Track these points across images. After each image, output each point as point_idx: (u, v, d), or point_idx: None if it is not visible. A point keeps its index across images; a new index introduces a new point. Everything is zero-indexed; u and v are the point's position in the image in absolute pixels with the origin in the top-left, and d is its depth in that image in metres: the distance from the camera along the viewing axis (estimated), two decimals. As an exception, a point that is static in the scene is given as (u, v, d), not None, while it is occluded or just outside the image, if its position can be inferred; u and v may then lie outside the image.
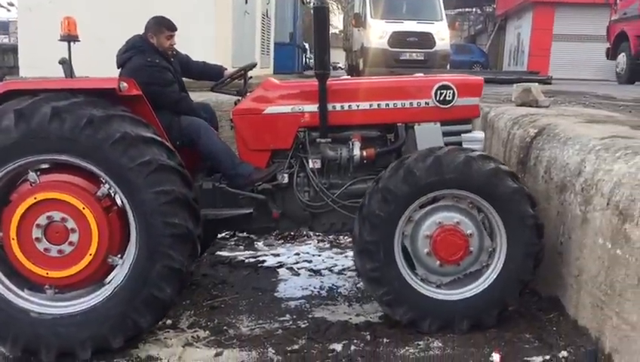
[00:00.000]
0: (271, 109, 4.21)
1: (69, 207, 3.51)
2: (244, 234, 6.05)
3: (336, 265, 5.42)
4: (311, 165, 4.21)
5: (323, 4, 3.94)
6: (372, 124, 4.25)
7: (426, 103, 4.18)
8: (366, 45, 14.84)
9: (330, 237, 6.25)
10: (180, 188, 3.53)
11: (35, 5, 8.26)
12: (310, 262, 5.54)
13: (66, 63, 4.15)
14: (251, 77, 4.77)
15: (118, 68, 4.36)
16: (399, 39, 14.73)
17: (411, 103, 4.19)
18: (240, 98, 4.55)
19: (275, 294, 4.75)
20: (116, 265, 3.65)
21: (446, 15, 16.45)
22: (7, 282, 3.64)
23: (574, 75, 20.88)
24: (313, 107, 4.14)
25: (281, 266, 5.41)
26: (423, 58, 14.72)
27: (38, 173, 3.57)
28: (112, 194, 3.64)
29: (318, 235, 6.35)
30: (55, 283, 3.63)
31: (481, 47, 32.92)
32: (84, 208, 3.51)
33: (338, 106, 4.16)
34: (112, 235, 3.58)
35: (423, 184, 3.66)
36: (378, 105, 4.19)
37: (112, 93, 3.57)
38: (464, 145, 4.06)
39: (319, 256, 5.75)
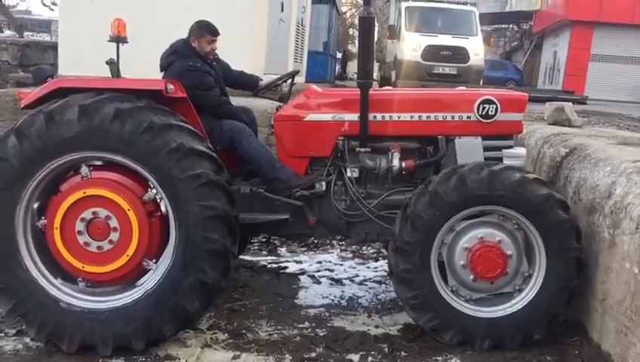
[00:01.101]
0: (312, 117, 4.24)
1: (114, 205, 3.61)
2: (269, 238, 6.08)
3: (357, 276, 5.41)
4: (349, 174, 4.21)
5: (369, 15, 3.99)
6: (412, 136, 4.25)
7: (468, 117, 4.16)
8: (399, 57, 14.85)
9: (353, 247, 6.24)
10: (224, 206, 3.62)
11: (77, 5, 8.42)
12: (332, 271, 5.54)
13: (114, 64, 4.24)
14: (295, 83, 4.78)
15: (161, 71, 4.44)
16: (433, 52, 14.69)
17: (453, 116, 4.18)
18: (281, 104, 4.58)
19: (295, 301, 4.75)
20: (149, 269, 3.72)
21: (482, 31, 16.37)
22: (42, 268, 3.71)
23: (610, 97, 20.54)
24: (354, 116, 4.16)
25: (302, 273, 5.41)
26: (456, 72, 14.65)
27: (91, 168, 3.67)
28: (158, 200, 3.71)
29: (341, 244, 6.36)
30: (88, 277, 3.71)
31: (516, 65, 32.60)
32: (129, 209, 3.60)
33: (379, 116, 4.17)
34: (151, 240, 3.66)
35: (473, 196, 3.66)
36: (419, 116, 4.19)
37: (159, 94, 3.67)
38: (505, 161, 4.01)
39: (341, 265, 5.74)
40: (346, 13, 35.14)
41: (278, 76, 4.80)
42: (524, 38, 35.56)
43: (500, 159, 4.09)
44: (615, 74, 24.76)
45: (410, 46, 14.87)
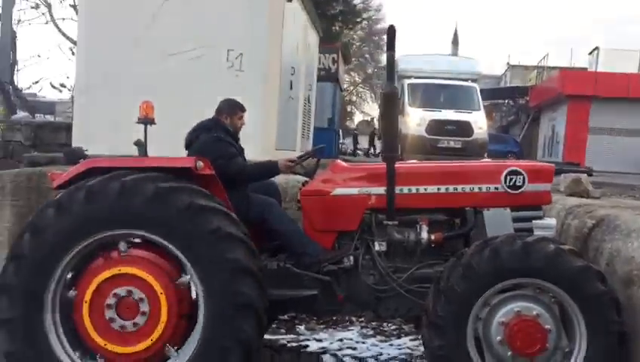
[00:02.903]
0: (338, 191, 4.23)
1: (147, 286, 3.55)
2: (286, 316, 5.94)
3: (381, 354, 5.24)
4: (377, 248, 4.16)
5: (392, 90, 4.04)
6: (439, 208, 4.23)
7: (496, 188, 4.15)
8: (404, 132, 15.04)
9: (374, 323, 6.10)
10: (254, 294, 3.58)
11: (91, 86, 8.60)
12: (354, 349, 5.37)
13: (142, 145, 4.28)
14: (325, 156, 4.80)
15: (186, 148, 4.50)
16: (437, 127, 14.87)
17: (480, 188, 4.17)
18: (308, 179, 4.58)
19: (320, 382, 4.59)
20: (169, 357, 3.61)
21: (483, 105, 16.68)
22: (63, 339, 3.61)
23: (610, 168, 20.69)
24: (380, 190, 4.15)
25: (324, 352, 5.25)
26: (460, 146, 14.79)
27: (129, 245, 3.65)
28: (190, 286, 3.66)
29: (361, 321, 6.21)
30: (109, 356, 3.60)
31: (514, 138, 33.08)
32: (161, 293, 3.55)
33: (405, 189, 4.16)
34: (177, 327, 3.58)
35: (508, 268, 3.58)
36: (446, 189, 4.18)
37: (188, 172, 3.69)
38: (536, 232, 3.95)
39: (363, 343, 5.57)
40: (345, 90, 35.97)
41: (304, 152, 4.83)
42: (520, 113, 36.28)
43: (529, 230, 4.03)
44: (615, 145, 25.05)
45: (415, 121, 15.08)
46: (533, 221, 4.11)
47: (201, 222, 3.50)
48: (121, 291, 3.55)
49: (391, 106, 4.15)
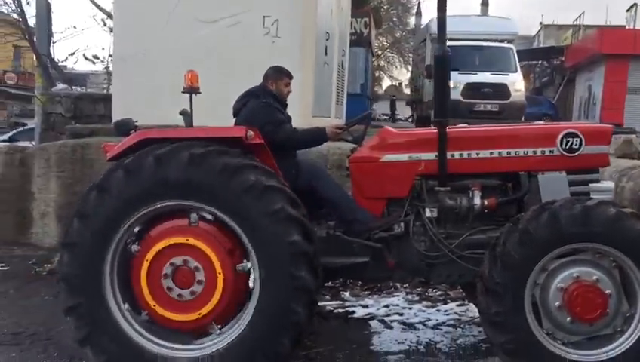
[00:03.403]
0: (388, 157, 4.18)
1: (209, 263, 3.58)
2: (330, 283, 5.96)
3: (429, 319, 5.24)
4: (428, 214, 4.12)
5: (444, 53, 3.94)
6: (492, 173, 4.15)
7: (551, 152, 4.06)
8: (439, 96, 14.76)
9: (419, 289, 6.09)
10: (303, 241, 3.56)
11: (129, 56, 8.59)
12: (401, 314, 5.38)
13: (187, 114, 4.28)
14: (368, 125, 4.72)
15: (234, 116, 4.49)
16: (473, 90, 14.60)
17: (535, 152, 4.07)
18: (356, 146, 4.53)
19: (371, 347, 4.62)
20: (249, 269, 3.65)
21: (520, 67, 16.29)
22: (117, 290, 3.69)
23: (650, 129, 20.12)
24: (431, 155, 4.09)
25: (372, 318, 5.27)
26: (497, 109, 14.51)
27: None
28: (249, 273, 3.67)
29: (405, 287, 6.20)
30: (154, 316, 3.66)
31: (549, 100, 32.37)
32: (220, 273, 3.57)
33: (457, 154, 4.09)
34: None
35: (567, 233, 3.51)
36: (499, 153, 4.09)
37: (239, 142, 3.69)
38: (593, 196, 3.87)
39: (410, 308, 5.57)
40: (377, 55, 35.44)
41: (354, 118, 4.77)
42: (554, 74, 35.38)
43: (586, 194, 3.94)
44: (655, 105, 24.34)
45: (450, 85, 14.80)
46: (590, 184, 4.02)
47: (264, 202, 3.49)
48: (178, 260, 3.59)
49: (443, 68, 4.05)
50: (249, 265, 3.62)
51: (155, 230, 3.67)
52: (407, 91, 33.60)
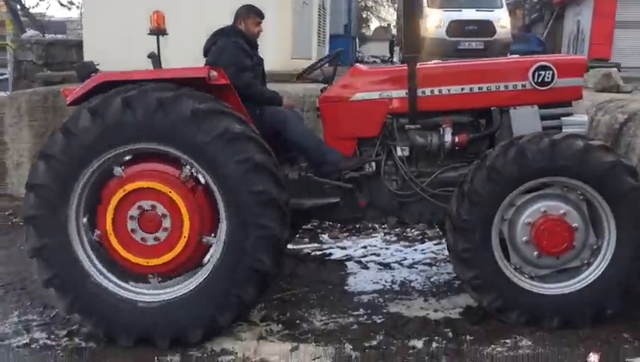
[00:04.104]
0: (358, 96, 4.08)
1: (156, 193, 3.53)
2: (309, 226, 5.95)
3: (405, 259, 5.25)
4: (399, 153, 4.07)
5: None
6: (463, 109, 4.06)
7: (523, 86, 3.96)
8: (423, 35, 14.47)
9: (397, 229, 6.09)
10: (272, 190, 3.48)
11: (100, 2, 8.33)
12: (378, 255, 5.39)
13: (155, 57, 4.14)
14: (340, 64, 4.61)
15: (204, 55, 4.36)
16: (458, 28, 14.25)
17: (506, 86, 3.97)
18: (327, 85, 4.42)
19: (346, 288, 4.62)
20: (211, 244, 3.63)
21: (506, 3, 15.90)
22: (111, 276, 3.66)
23: (636, 63, 19.92)
24: (402, 92, 4.01)
25: (348, 259, 5.27)
26: (482, 47, 14.20)
27: (122, 166, 3.59)
28: (194, 174, 3.60)
29: (384, 228, 6.20)
30: (157, 271, 3.64)
31: (537, 37, 31.93)
32: (170, 191, 3.51)
33: (428, 91, 3.99)
34: (201, 214, 3.57)
35: (534, 168, 3.47)
36: (470, 88, 4.00)
37: (202, 82, 3.57)
38: (565, 130, 3.80)
39: (387, 248, 5.58)
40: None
41: (322, 58, 4.64)
42: (543, 10, 34.79)
43: (559, 128, 3.88)
44: (641, 40, 24.02)
45: (434, 23, 14.47)
46: (563, 118, 3.95)
47: (233, 150, 3.41)
48: (133, 211, 3.53)
49: (412, 4, 3.89)
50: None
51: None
52: (395, 32, 33.00)
